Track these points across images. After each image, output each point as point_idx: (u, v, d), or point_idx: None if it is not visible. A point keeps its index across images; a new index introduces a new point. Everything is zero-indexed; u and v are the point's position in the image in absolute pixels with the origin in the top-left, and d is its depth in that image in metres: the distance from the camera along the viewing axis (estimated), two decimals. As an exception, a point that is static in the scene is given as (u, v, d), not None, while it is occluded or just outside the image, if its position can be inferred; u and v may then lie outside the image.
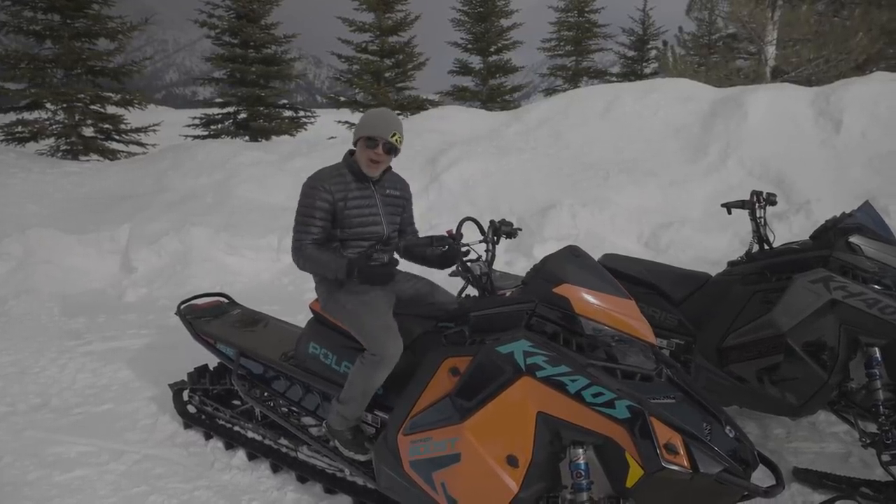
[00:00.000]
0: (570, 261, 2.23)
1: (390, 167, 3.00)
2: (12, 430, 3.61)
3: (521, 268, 5.95)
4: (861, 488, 2.85)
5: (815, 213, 6.71)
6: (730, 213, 3.60)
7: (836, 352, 2.89)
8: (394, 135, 2.79)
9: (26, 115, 13.08)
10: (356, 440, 2.74)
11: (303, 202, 2.81)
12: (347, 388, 2.68)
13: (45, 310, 5.84)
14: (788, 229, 6.69)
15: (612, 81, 20.63)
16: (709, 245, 6.75)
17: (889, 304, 2.81)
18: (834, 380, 2.91)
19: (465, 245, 2.53)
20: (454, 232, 2.54)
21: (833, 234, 3.09)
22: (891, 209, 6.61)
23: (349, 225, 2.81)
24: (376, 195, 2.89)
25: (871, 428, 2.96)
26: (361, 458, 2.72)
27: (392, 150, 2.83)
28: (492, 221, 2.69)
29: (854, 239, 3.01)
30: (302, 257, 2.77)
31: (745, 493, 1.91)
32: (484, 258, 2.56)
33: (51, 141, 13.31)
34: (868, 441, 2.88)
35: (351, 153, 2.91)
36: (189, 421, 3.59)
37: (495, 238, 2.64)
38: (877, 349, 2.85)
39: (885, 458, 2.78)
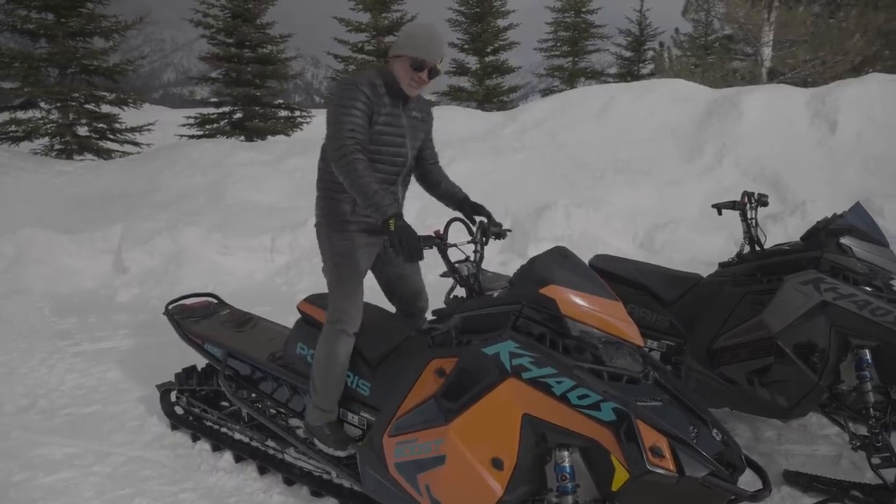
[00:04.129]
0: (557, 262, 2.20)
1: None
2: (-1, 431, 3.59)
3: (515, 268, 5.93)
4: (851, 491, 2.82)
5: (811, 214, 6.72)
6: (720, 213, 3.59)
7: (826, 354, 2.87)
8: (441, 59, 2.60)
9: (20, 114, 13.02)
10: (336, 436, 2.72)
11: (341, 101, 2.53)
12: (315, 370, 2.71)
13: (36, 310, 5.81)
14: (784, 230, 6.70)
15: (609, 82, 20.64)
16: (703, 246, 6.75)
17: (879, 305, 2.79)
18: (824, 382, 2.89)
19: (452, 245, 2.51)
20: (441, 232, 2.51)
21: (824, 235, 3.07)
22: (886, 209, 6.62)
23: (376, 142, 2.60)
24: (404, 116, 2.70)
25: (862, 430, 2.94)
26: (341, 454, 2.71)
27: (436, 74, 2.63)
28: (480, 222, 2.67)
29: (845, 240, 2.99)
30: (348, 167, 2.43)
31: (732, 496, 1.89)
32: (472, 259, 2.55)
33: (45, 140, 13.25)
34: (858, 444, 2.86)
35: (385, 62, 2.71)
36: (176, 422, 3.56)
37: (483, 238, 2.61)
38: (867, 351, 2.83)
39: (876, 460, 2.76)
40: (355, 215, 2.69)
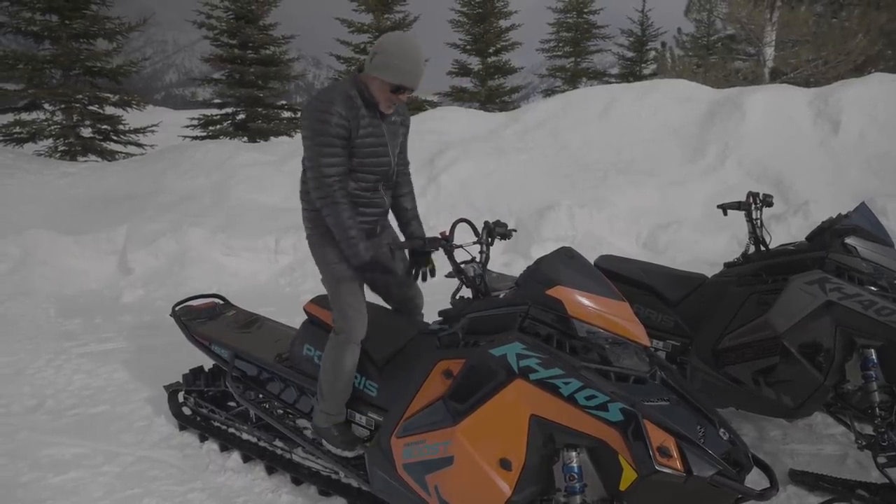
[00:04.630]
0: (563, 262, 2.21)
1: None
2: (7, 431, 3.60)
3: (518, 269, 5.93)
4: (857, 490, 2.83)
5: (814, 214, 6.72)
6: (725, 214, 3.60)
7: (832, 353, 2.88)
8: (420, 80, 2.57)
9: (24, 116, 13.08)
10: (344, 437, 2.73)
11: (317, 128, 2.47)
12: (321, 377, 2.71)
13: (42, 311, 5.84)
14: (787, 230, 6.70)
15: (611, 82, 20.63)
16: (707, 246, 6.75)
17: (885, 305, 2.80)
18: (830, 381, 2.90)
19: (458, 246, 2.52)
20: (447, 233, 2.53)
21: (829, 235, 3.08)
22: (889, 209, 6.62)
23: (359, 154, 2.59)
24: (383, 124, 2.66)
25: (868, 430, 2.95)
26: (349, 454, 2.72)
27: (412, 91, 2.61)
28: (486, 223, 2.68)
29: (850, 240, 3.00)
30: (330, 204, 2.51)
31: (739, 495, 1.90)
32: (478, 259, 2.56)
33: (49, 142, 13.31)
34: (864, 443, 2.87)
35: (359, 70, 2.67)
36: (184, 423, 3.57)
37: (489, 239, 2.62)
38: (872, 351, 2.84)
39: (881, 459, 2.77)
40: None
